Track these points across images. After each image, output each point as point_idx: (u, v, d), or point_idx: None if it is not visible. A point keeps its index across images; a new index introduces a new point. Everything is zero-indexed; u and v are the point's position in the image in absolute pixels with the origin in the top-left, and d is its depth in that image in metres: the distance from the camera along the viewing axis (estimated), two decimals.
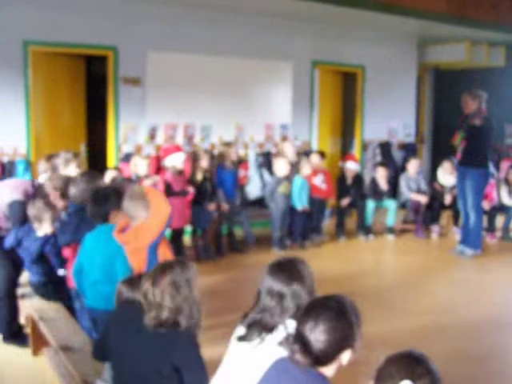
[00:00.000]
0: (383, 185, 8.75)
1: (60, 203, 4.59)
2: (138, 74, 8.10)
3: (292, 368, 2.09)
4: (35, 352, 4.41)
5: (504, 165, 9.27)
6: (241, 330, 2.66)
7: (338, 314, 2.08)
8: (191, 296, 2.60)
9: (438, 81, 12.69)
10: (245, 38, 8.92)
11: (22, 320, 4.68)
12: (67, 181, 4.62)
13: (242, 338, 2.62)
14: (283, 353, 2.27)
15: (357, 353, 2.11)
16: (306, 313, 2.12)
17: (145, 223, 3.64)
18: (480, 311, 5.63)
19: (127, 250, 3.66)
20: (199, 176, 7.30)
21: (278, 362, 2.23)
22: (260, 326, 2.57)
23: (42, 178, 5.68)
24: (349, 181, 8.62)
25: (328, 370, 2.10)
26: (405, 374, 1.82)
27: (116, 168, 6.98)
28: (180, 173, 7.12)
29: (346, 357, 2.09)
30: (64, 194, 4.57)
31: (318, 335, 2.04)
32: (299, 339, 2.07)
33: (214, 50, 8.66)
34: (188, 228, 7.37)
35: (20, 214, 4.41)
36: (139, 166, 6.93)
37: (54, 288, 4.48)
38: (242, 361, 2.58)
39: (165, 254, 3.69)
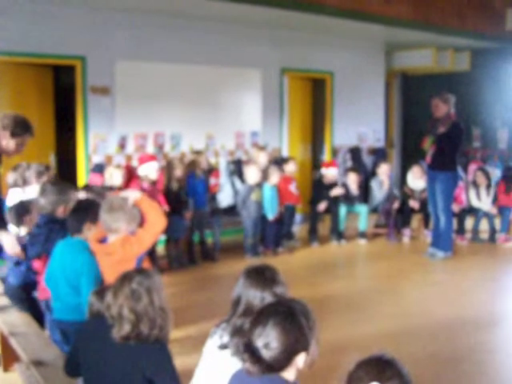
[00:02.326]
0: (354, 190, 8.83)
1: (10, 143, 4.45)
2: (107, 84, 8.04)
3: (252, 378, 2.05)
4: (6, 367, 4.33)
5: (472, 167, 9.42)
6: (220, 338, 2.65)
7: (286, 318, 2.04)
8: (153, 304, 2.55)
9: (406, 86, 12.85)
10: (213, 46, 8.92)
11: None
12: (14, 119, 4.47)
13: (224, 346, 2.61)
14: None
15: (312, 355, 2.08)
16: (255, 320, 2.08)
17: (135, 234, 3.57)
18: (451, 312, 5.70)
19: (109, 260, 3.55)
20: (174, 186, 7.29)
21: (239, 372, 2.19)
22: (242, 333, 2.57)
23: (13, 192, 5.59)
24: (327, 186, 8.67)
25: (287, 375, 2.06)
26: (373, 377, 1.82)
27: (87, 186, 6.86)
28: (153, 183, 7.08)
29: (301, 360, 2.05)
30: (13, 134, 4.42)
31: (266, 342, 2.00)
32: (248, 348, 2.02)
33: (183, 59, 8.65)
34: (161, 237, 7.32)
35: None
36: (114, 177, 6.89)
37: (28, 293, 4.40)
38: (224, 369, 2.57)
39: (147, 267, 3.63)
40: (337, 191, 8.57)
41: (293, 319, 2.04)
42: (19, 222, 4.48)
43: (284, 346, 2.00)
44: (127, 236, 3.57)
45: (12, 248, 4.18)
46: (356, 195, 8.84)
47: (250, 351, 2.02)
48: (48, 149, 8.26)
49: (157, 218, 3.64)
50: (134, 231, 3.65)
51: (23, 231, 4.42)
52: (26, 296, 4.41)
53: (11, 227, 4.51)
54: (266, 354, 2.00)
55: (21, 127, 4.39)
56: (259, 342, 2.01)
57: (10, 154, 4.48)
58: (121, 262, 3.48)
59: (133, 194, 3.79)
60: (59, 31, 7.60)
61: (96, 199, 4.38)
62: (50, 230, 4.10)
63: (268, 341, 2.00)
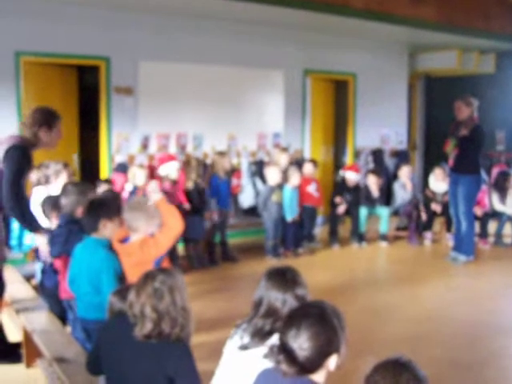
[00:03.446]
0: (375, 192, 8.77)
1: (53, 135, 4.48)
2: (130, 84, 8.11)
3: (281, 378, 2.07)
4: (28, 364, 4.38)
5: (495, 171, 9.32)
6: (240, 339, 2.66)
7: (319, 319, 2.06)
8: (176, 304, 2.56)
9: (429, 88, 12.76)
10: (236, 47, 8.95)
11: (16, 337, 4.66)
12: (44, 113, 4.48)
13: (244, 347, 2.63)
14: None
15: (343, 357, 2.10)
16: (287, 322, 2.11)
17: (153, 237, 3.60)
18: (473, 317, 5.65)
19: (128, 261, 3.59)
20: (196, 185, 7.33)
21: (266, 372, 2.22)
22: (263, 334, 2.58)
23: (36, 190, 5.67)
24: (348, 189, 8.64)
25: (318, 377, 2.08)
26: (390, 380, 1.82)
27: (107, 180, 6.95)
28: (174, 183, 7.13)
29: (333, 362, 2.07)
30: (50, 126, 4.40)
31: (301, 343, 2.02)
32: (283, 349, 2.05)
33: (206, 59, 8.68)
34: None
35: (18, 158, 4.21)
36: (137, 176, 6.94)
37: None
38: (244, 369, 2.58)
39: (167, 266, 3.66)
40: (341, 208, 8.50)
41: (326, 320, 2.07)
42: (50, 215, 4.61)
43: (318, 346, 2.03)
44: (146, 238, 3.60)
45: (44, 251, 4.26)
46: (376, 197, 8.78)
47: (285, 352, 2.04)
48: (71, 148, 8.35)
49: (174, 222, 3.66)
50: (153, 232, 3.68)
51: (53, 225, 4.51)
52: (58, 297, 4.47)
53: (43, 220, 4.61)
54: (301, 355, 2.02)
55: (53, 117, 4.47)
56: (294, 344, 2.03)
57: (53, 146, 4.52)
58: (138, 264, 3.53)
59: (154, 196, 3.81)
60: (84, 32, 7.68)
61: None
62: (70, 231, 4.14)
63: (303, 342, 2.02)
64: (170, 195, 6.82)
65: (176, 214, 3.75)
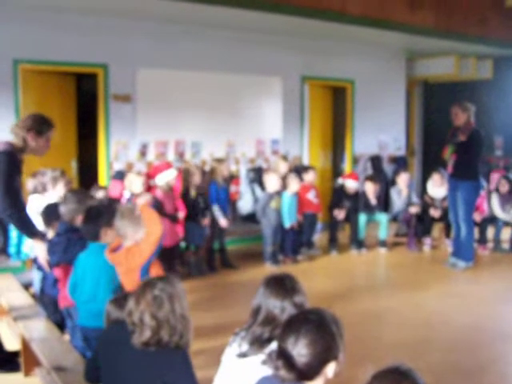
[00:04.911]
0: (372, 199, 8.75)
1: (39, 142, 4.47)
2: (129, 91, 8.12)
3: None
4: (27, 372, 4.37)
5: (494, 176, 9.32)
6: (239, 347, 2.65)
7: (318, 326, 2.06)
8: (175, 311, 2.57)
9: (427, 94, 12.79)
10: (234, 54, 8.97)
11: (15, 345, 4.64)
12: (34, 119, 4.47)
13: (243, 355, 2.62)
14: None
15: (341, 364, 2.09)
16: (286, 328, 2.11)
17: (136, 244, 3.63)
18: (472, 323, 5.64)
19: (120, 270, 3.65)
20: (193, 192, 7.32)
21: (264, 379, 2.21)
22: (261, 341, 2.58)
23: (33, 198, 5.66)
24: (347, 196, 8.63)
25: None
26: None
27: (103, 187, 6.94)
28: (170, 189, 7.12)
29: (331, 369, 2.07)
30: (39, 132, 4.38)
31: (300, 349, 2.02)
32: (282, 355, 2.05)
33: (204, 66, 8.70)
34: (181, 244, 7.35)
35: (6, 164, 4.18)
36: (134, 184, 6.93)
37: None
38: (242, 377, 2.57)
39: (157, 273, 3.66)
40: (341, 215, 8.51)
41: (325, 327, 2.07)
42: (48, 224, 4.58)
43: (317, 353, 2.03)
44: (132, 246, 3.63)
45: (43, 258, 4.25)
46: (374, 204, 8.76)
47: (284, 358, 2.04)
48: (70, 155, 8.36)
49: (153, 227, 3.68)
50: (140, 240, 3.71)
51: (50, 234, 4.50)
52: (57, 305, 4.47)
53: (42, 228, 4.60)
54: (300, 362, 2.02)
55: (43, 124, 4.46)
56: (293, 350, 2.03)
57: (41, 153, 4.52)
58: (126, 273, 3.58)
59: (140, 200, 3.86)
60: (82, 40, 7.70)
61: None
62: (69, 240, 4.14)
63: (301, 348, 2.02)
64: (163, 203, 6.81)
65: (156, 219, 3.76)
